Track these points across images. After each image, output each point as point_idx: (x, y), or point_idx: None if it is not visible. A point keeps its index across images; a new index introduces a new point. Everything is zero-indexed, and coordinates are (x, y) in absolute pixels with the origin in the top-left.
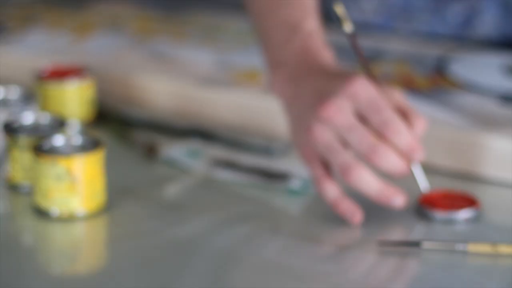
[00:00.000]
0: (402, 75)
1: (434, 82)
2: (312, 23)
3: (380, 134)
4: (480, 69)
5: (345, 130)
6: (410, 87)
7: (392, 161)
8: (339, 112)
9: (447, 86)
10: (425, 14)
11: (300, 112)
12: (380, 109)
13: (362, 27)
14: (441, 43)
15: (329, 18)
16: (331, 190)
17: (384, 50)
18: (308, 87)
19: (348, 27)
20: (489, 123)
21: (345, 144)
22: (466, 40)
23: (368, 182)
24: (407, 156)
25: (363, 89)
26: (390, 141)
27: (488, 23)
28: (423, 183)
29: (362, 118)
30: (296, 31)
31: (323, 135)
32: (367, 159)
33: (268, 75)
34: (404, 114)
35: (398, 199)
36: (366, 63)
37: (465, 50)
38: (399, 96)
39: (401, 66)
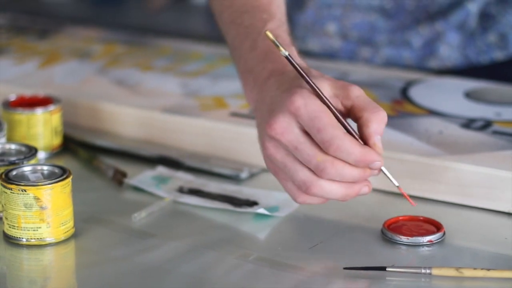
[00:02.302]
0: None
1: (398, 108)
2: (273, 25)
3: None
4: (443, 94)
5: (292, 148)
6: None
7: (346, 173)
8: (285, 130)
9: (411, 110)
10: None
11: (259, 122)
12: (320, 128)
13: (327, 51)
14: (404, 69)
15: None
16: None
17: (347, 77)
18: (267, 95)
19: (282, 50)
20: (452, 147)
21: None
22: (428, 66)
23: (330, 191)
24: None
25: (303, 105)
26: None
27: (450, 49)
28: (393, 180)
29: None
30: (259, 37)
31: (276, 152)
32: (318, 177)
33: (240, 83)
34: (362, 110)
35: (365, 189)
36: (307, 78)
37: (427, 76)
38: (357, 92)
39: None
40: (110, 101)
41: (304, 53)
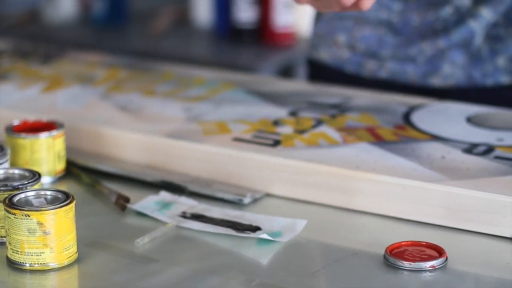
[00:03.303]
0: (369, 126)
1: (401, 132)
2: None
3: None
4: (445, 119)
5: None
6: (377, 138)
7: None
8: None
9: (414, 136)
10: (393, 54)
11: None
12: None
13: (336, 61)
14: (408, 85)
15: None
16: None
17: (351, 103)
18: None
19: None
20: (454, 172)
21: None
22: (431, 83)
23: None
24: None
25: None
26: None
27: (453, 67)
28: None
29: None
30: None
31: None
32: None
33: None
34: None
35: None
36: None
37: (430, 101)
38: None
39: (368, 117)
40: (113, 126)
41: (316, 61)
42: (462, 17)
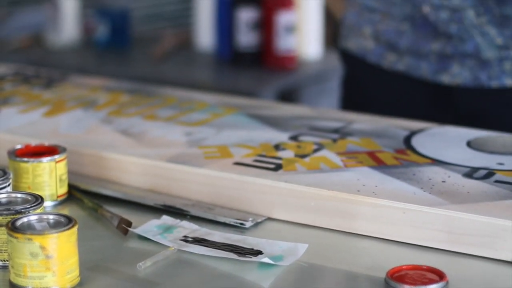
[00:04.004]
0: (370, 150)
1: (402, 156)
2: None
3: None
4: (446, 143)
5: None
6: (378, 162)
7: None
8: None
9: (414, 160)
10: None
11: None
12: None
13: (361, 51)
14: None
15: None
16: None
17: (351, 127)
18: None
19: None
20: (455, 196)
21: None
22: (440, 80)
23: None
24: None
25: None
26: None
27: (461, 68)
28: None
29: None
30: None
31: None
32: None
33: None
34: None
35: None
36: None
37: (430, 124)
38: None
39: (368, 141)
40: (114, 150)
41: (344, 50)
42: (469, 33)
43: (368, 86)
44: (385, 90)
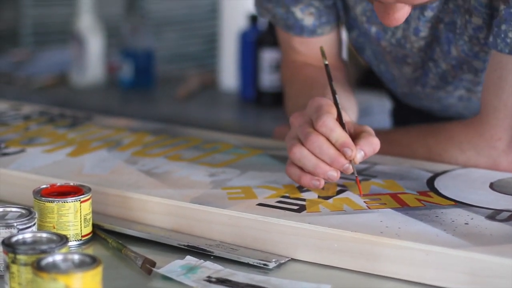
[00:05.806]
0: (393, 192)
1: (424, 199)
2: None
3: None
4: (469, 185)
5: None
6: (401, 203)
7: (324, 148)
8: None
9: (437, 202)
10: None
11: None
12: (318, 111)
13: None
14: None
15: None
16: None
17: (375, 168)
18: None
19: (325, 60)
20: (478, 238)
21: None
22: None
23: (306, 156)
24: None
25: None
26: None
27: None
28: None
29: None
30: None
31: (294, 121)
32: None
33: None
34: (359, 132)
35: (333, 174)
36: (333, 90)
37: (453, 167)
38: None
39: (392, 183)
40: (139, 190)
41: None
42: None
43: None
44: None
